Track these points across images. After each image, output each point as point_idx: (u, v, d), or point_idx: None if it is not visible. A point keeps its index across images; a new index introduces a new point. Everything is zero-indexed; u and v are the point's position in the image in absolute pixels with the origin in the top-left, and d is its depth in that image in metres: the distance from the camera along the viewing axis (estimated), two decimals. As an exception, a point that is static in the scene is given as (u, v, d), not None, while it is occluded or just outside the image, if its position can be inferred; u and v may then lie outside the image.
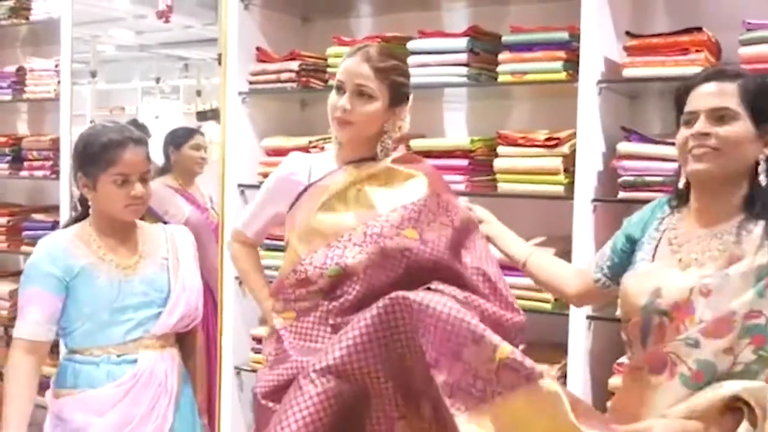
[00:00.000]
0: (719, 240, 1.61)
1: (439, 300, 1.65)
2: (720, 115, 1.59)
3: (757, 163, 1.61)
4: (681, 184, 1.71)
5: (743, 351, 1.53)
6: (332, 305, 1.81)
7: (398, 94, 1.92)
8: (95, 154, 2.06)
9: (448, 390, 1.58)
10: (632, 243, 1.81)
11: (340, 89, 1.90)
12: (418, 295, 1.65)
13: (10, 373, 2.05)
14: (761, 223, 1.58)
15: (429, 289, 1.74)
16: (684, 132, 1.64)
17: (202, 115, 4.39)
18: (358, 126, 1.90)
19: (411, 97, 1.97)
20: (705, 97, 1.62)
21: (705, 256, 1.61)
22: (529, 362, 1.56)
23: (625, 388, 1.77)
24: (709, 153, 1.59)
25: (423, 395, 1.68)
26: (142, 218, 2.24)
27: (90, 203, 2.16)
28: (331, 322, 1.80)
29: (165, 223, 3.28)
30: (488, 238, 2.01)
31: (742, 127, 1.58)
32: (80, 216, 2.22)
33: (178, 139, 3.81)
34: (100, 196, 2.10)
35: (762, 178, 1.59)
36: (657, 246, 1.72)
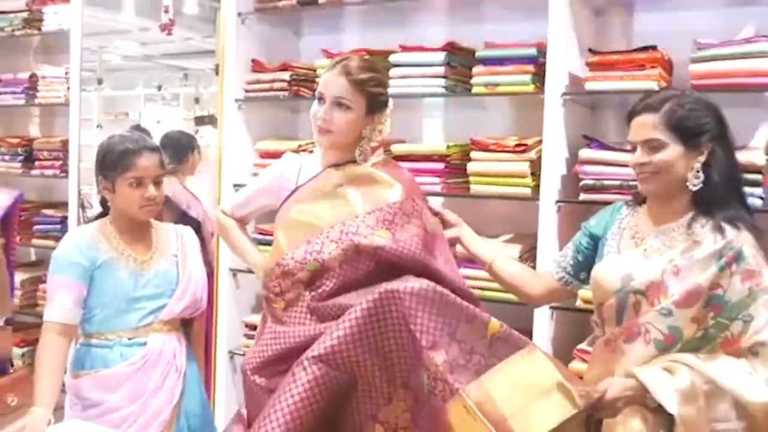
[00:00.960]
0: (676, 233, 1.77)
1: (428, 284, 1.68)
2: (652, 146, 1.76)
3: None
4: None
5: (706, 319, 1.69)
6: (312, 294, 1.84)
7: (375, 103, 1.94)
8: (113, 161, 2.14)
9: (449, 367, 1.61)
10: (595, 240, 1.94)
11: (321, 99, 1.92)
12: (406, 287, 1.67)
13: (42, 353, 2.08)
14: (709, 218, 1.74)
15: None
16: (632, 158, 1.81)
17: (199, 120, 4.41)
18: (337, 133, 1.92)
19: (391, 104, 1.99)
20: (638, 129, 1.78)
21: (665, 246, 1.76)
22: (516, 334, 1.68)
23: (598, 360, 1.85)
24: (649, 176, 1.77)
25: (404, 385, 1.70)
26: (160, 214, 2.30)
27: (110, 204, 2.23)
28: (311, 306, 1.83)
29: (185, 215, 3.34)
30: (458, 240, 2.04)
31: (672, 151, 1.74)
32: (101, 214, 2.29)
33: (194, 142, 3.86)
34: (118, 198, 2.17)
35: (692, 183, 1.74)
36: (620, 241, 1.86)
